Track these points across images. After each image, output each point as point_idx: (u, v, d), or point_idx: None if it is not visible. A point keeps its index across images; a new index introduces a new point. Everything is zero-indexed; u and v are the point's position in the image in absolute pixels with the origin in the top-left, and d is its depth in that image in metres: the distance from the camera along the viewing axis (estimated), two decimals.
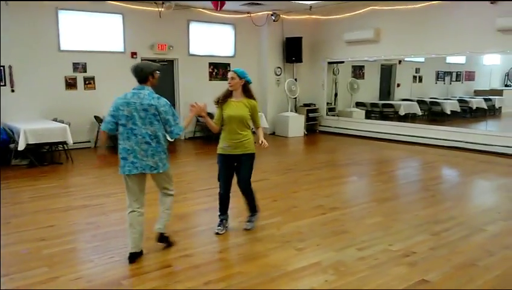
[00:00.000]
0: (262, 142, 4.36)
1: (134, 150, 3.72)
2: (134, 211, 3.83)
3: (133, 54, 10.04)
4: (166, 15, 10.11)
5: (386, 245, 4.08)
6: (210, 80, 11.32)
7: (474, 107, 13.03)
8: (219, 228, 4.47)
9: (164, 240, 4.04)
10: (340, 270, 3.56)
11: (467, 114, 12.75)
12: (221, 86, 11.17)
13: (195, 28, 10.96)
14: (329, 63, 12.13)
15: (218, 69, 11.43)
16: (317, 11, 11.18)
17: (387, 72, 13.09)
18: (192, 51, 10.96)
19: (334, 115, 12.40)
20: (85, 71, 9.52)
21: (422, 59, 12.00)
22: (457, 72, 13.55)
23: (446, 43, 9.39)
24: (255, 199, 4.59)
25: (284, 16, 11.57)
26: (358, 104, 12.65)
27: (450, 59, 12.02)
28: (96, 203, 5.51)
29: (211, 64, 11.29)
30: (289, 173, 7.23)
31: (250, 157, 4.47)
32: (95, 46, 9.63)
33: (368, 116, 12.35)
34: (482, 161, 8.10)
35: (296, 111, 11.94)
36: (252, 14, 11.55)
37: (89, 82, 9.60)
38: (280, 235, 4.36)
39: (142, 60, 10.15)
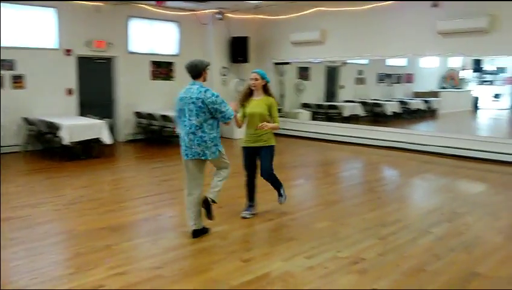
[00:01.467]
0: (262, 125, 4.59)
1: (184, 140, 4.22)
2: (191, 194, 4.32)
3: (68, 51, 9.36)
4: (105, 10, 9.52)
5: (335, 252, 3.92)
6: (152, 79, 10.82)
7: (413, 109, 13.47)
8: (246, 212, 4.91)
9: (208, 207, 4.30)
10: (289, 282, 3.35)
11: (407, 115, 13.15)
12: (164, 86, 10.96)
13: (136, 25, 10.43)
14: (276, 63, 12.01)
15: (161, 68, 10.96)
16: (264, 10, 11.02)
17: (332, 74, 13.21)
18: (132, 48, 10.42)
19: (280, 116, 12.25)
20: (13, 69, 8.73)
21: (365, 61, 12.20)
22: (397, 74, 13.96)
23: (389, 45, 9.55)
24: (278, 182, 5.00)
25: (229, 15, 11.31)
26: (304, 106, 12.65)
27: (391, 62, 12.32)
28: (22, 215, 4.95)
29: (153, 62, 10.80)
30: (235, 177, 6.87)
31: (270, 149, 4.89)
32: (25, 42, 8.86)
33: (314, 117, 12.38)
34: (423, 161, 8.28)
35: None
36: (196, 12, 11.18)
37: (18, 81, 8.82)
38: (225, 245, 4.09)
39: (78, 57, 9.52)
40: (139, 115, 10.26)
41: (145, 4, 10.19)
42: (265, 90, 4.78)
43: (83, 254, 3.87)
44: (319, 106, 12.58)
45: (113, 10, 9.69)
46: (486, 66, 15.53)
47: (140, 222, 4.83)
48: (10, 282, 3.33)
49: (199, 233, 4.27)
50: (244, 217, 4.85)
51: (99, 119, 8.43)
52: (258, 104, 4.73)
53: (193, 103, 4.08)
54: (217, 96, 4.15)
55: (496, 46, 8.08)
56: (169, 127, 9.55)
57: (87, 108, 9.60)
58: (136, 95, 10.52)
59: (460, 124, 13.07)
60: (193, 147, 4.21)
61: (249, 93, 4.83)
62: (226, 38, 11.59)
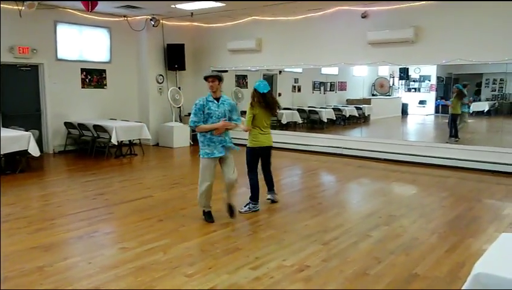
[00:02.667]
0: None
1: (213, 141, 5.05)
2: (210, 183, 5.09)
3: None
4: (28, 15, 8.91)
5: (280, 260, 3.91)
6: (83, 87, 10.29)
7: (347, 115, 13.97)
8: (245, 208, 5.44)
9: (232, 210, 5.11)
10: None
11: (341, 121, 13.62)
12: (96, 94, 10.47)
13: (63, 30, 9.88)
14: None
15: (92, 76, 10.46)
16: (199, 18, 10.91)
17: (269, 82, 13.29)
18: (60, 55, 9.85)
19: None
20: None
21: (300, 70, 12.49)
22: (331, 82, 14.43)
23: (323, 54, 9.83)
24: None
25: (164, 22, 11.07)
26: (243, 113, 12.63)
27: (325, 70, 12.71)
28: None
29: (83, 70, 10.28)
30: (176, 188, 6.78)
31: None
32: None
33: None
34: (359, 166, 8.58)
35: (180, 121, 11.48)
36: (129, 18, 10.83)
37: None
38: (167, 261, 3.92)
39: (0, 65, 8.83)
40: (69, 125, 9.70)
41: (73, 9, 9.69)
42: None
43: (11, 278, 3.54)
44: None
45: (38, 15, 9.10)
46: (412, 74, 16.53)
47: (74, 240, 4.51)
48: None
49: (211, 214, 5.14)
50: (240, 212, 5.41)
51: (25, 130, 7.85)
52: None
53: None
54: (194, 104, 4.95)
55: (420, 56, 8.61)
56: (103, 138, 9.12)
57: (11, 119, 8.91)
58: (66, 105, 9.95)
59: (391, 130, 13.76)
60: (217, 149, 5.19)
61: None
62: (161, 46, 11.33)
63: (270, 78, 13.20)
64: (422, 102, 16.41)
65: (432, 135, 13.70)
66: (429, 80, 16.16)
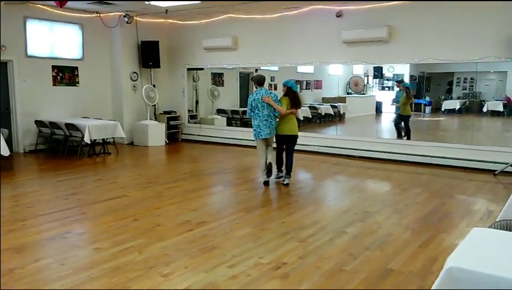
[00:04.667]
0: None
1: (259, 125, 6.49)
2: (263, 158, 6.60)
3: None
4: None
5: (257, 258, 3.90)
6: (54, 84, 10.03)
7: (323, 113, 14.09)
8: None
9: (270, 168, 6.60)
10: None
11: (317, 120, 13.72)
12: (68, 92, 10.23)
13: (34, 27, 9.60)
14: (189, 69, 11.84)
15: (64, 73, 10.21)
16: (174, 15, 10.80)
17: (245, 80, 13.33)
18: (30, 52, 9.58)
19: (196, 123, 12.13)
20: None
21: (276, 68, 12.51)
22: (306, 80, 14.52)
23: (299, 53, 9.88)
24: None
25: (138, 18, 10.90)
26: (220, 112, 12.61)
27: (301, 68, 12.78)
28: None
29: (54, 67, 10.03)
30: (151, 187, 6.69)
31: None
32: None
33: (229, 123, 12.39)
34: (334, 164, 8.66)
35: (155, 119, 11.34)
36: (101, 15, 10.62)
37: None
38: (143, 261, 3.86)
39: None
40: (40, 123, 9.45)
41: (44, 5, 9.43)
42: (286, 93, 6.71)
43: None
44: (235, 112, 12.62)
45: (6, 10, 8.82)
46: (386, 73, 16.80)
47: (46, 241, 4.39)
48: None
49: (268, 182, 6.66)
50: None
51: None
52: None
53: (263, 101, 6.42)
54: (274, 98, 6.54)
55: (394, 55, 8.76)
56: (75, 137, 8.92)
57: None
58: (37, 103, 9.68)
59: (366, 128, 13.93)
60: (265, 129, 6.47)
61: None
62: (134, 43, 11.16)
63: (246, 76, 13.20)
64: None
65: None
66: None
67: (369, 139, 9.45)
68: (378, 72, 16.40)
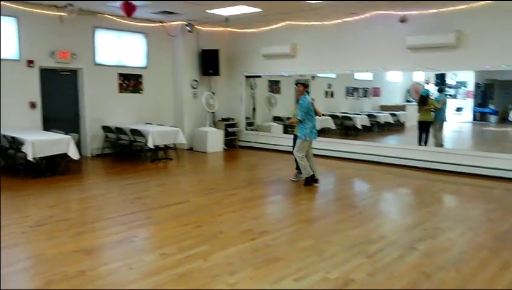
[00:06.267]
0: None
1: (311, 127, 7.00)
2: (309, 159, 7.16)
3: (30, 62, 8.89)
4: (69, 20, 9.14)
5: (323, 273, 3.78)
6: (120, 92, 10.46)
7: (382, 122, 13.67)
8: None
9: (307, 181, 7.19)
10: None
11: (376, 128, 13.32)
12: (133, 99, 10.62)
13: (102, 36, 10.07)
14: (247, 77, 11.92)
15: (129, 81, 10.62)
16: (234, 23, 10.93)
17: None
18: (99, 60, 10.05)
19: (253, 130, 12.18)
20: None
21: (333, 75, 12.30)
22: (365, 88, 14.16)
23: (359, 59, 9.64)
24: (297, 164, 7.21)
25: (199, 27, 11.14)
26: (276, 119, 12.58)
27: (358, 75, 12.48)
28: None
29: (120, 75, 10.45)
30: (211, 193, 6.75)
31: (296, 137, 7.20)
32: None
33: (286, 130, 12.32)
34: (398, 175, 8.33)
35: (214, 126, 11.51)
36: (165, 24, 10.96)
37: None
38: (208, 269, 3.86)
39: (41, 69, 9.07)
40: (107, 129, 9.86)
41: (112, 15, 9.87)
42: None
43: (55, 281, 3.56)
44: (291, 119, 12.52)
45: (78, 20, 9.32)
46: (449, 80, 16.05)
47: (114, 244, 4.52)
48: None
49: (309, 180, 7.16)
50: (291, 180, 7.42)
51: (65, 134, 8.02)
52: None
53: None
54: (305, 104, 6.98)
55: (462, 61, 8.31)
56: (139, 142, 9.22)
57: (51, 122, 9.13)
58: (104, 109, 10.12)
59: (427, 137, 13.35)
60: (315, 131, 7.10)
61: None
62: (195, 51, 11.40)
63: None
64: (458, 109, 15.92)
65: (470, 142, 13.23)
66: (465, 87, 15.68)
67: (433, 149, 9.03)
68: (440, 80, 15.72)
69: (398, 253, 4.27)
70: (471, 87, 15.36)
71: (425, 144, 9.60)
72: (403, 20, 8.85)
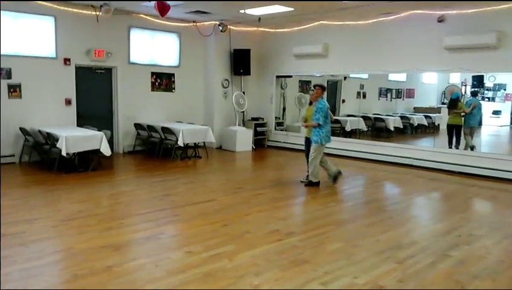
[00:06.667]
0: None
1: (328, 131, 6.89)
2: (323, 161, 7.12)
3: (66, 61, 9.13)
4: (105, 20, 9.33)
5: (351, 278, 3.68)
6: (152, 90, 10.60)
7: (415, 124, 13.30)
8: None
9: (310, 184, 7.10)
10: None
11: (409, 130, 12.97)
12: (165, 97, 10.74)
13: (136, 35, 10.24)
14: (278, 76, 11.86)
15: (162, 79, 10.75)
16: (266, 23, 10.88)
17: (333, 88, 13.04)
18: (133, 59, 10.22)
19: (282, 130, 12.11)
20: (9, 78, 8.48)
21: (366, 76, 12.07)
22: (398, 89, 13.82)
23: (393, 60, 9.43)
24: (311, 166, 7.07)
25: (231, 27, 11.16)
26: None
27: (392, 76, 12.18)
28: (16, 232, 4.68)
29: (153, 73, 10.60)
30: (239, 193, 6.73)
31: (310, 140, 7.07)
32: (22, 50, 8.63)
33: None
34: (431, 179, 8.08)
35: (244, 125, 11.51)
36: (197, 23, 11.03)
37: (14, 90, 8.57)
38: (233, 269, 3.83)
39: (76, 67, 9.30)
40: (139, 126, 10.02)
41: (146, 14, 10.02)
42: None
43: (82, 276, 3.61)
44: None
45: (114, 20, 9.51)
46: (486, 82, 15.46)
47: (142, 241, 4.55)
48: None
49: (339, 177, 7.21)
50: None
51: (97, 130, 8.19)
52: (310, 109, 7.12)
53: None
54: (321, 108, 6.84)
55: (503, 63, 7.97)
56: (170, 140, 9.32)
57: (85, 119, 9.36)
58: (136, 107, 10.29)
59: (463, 141, 12.90)
60: (329, 135, 6.96)
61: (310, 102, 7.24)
62: (227, 50, 11.43)
63: (334, 84, 12.91)
64: (496, 112, 15.30)
65: (507, 147, 12.67)
66: (504, 89, 15.06)
67: (468, 153, 8.70)
68: (477, 82, 15.16)
69: (430, 260, 4.11)
70: (510, 90, 14.76)
71: (457, 148, 9.31)
72: (440, 19, 8.58)
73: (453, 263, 4.06)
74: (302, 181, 7.33)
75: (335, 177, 7.14)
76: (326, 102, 6.94)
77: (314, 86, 7.06)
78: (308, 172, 7.16)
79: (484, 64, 8.28)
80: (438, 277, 3.74)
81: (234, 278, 3.64)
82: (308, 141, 7.14)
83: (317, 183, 7.08)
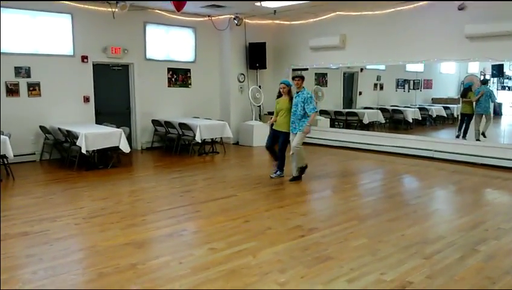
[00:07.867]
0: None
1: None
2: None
3: (84, 58, 9.19)
4: (121, 16, 9.35)
5: (378, 274, 3.61)
6: (169, 86, 10.61)
7: (434, 115, 13.06)
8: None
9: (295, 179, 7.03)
10: None
11: (427, 122, 12.75)
12: (181, 93, 10.74)
13: (152, 31, 10.24)
14: (294, 69, 11.74)
15: (178, 75, 10.75)
16: (282, 15, 10.78)
17: (349, 80, 12.88)
18: (149, 55, 10.23)
19: None
20: (29, 76, 8.57)
21: (383, 67, 11.87)
22: (415, 80, 13.58)
23: (411, 50, 9.25)
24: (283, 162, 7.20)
25: (247, 21, 11.08)
26: (323, 112, 12.33)
27: (410, 67, 11.96)
28: (40, 230, 4.72)
29: (169, 69, 10.59)
30: (258, 188, 6.69)
31: (284, 134, 7.08)
32: (41, 49, 8.70)
33: (332, 124, 12.06)
34: (454, 171, 7.92)
35: (260, 119, 11.45)
36: (213, 18, 10.98)
37: (34, 88, 8.66)
38: (257, 265, 3.79)
39: (94, 64, 9.35)
40: (156, 122, 10.05)
41: (162, 10, 10.00)
42: (289, 92, 7.07)
43: (107, 274, 3.61)
44: (338, 113, 12.26)
45: (129, 16, 9.51)
46: (507, 71, 15.09)
47: (164, 238, 4.55)
48: None
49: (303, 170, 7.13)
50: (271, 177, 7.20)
51: (116, 127, 8.22)
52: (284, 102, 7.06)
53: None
54: (308, 98, 6.84)
55: None
56: (187, 136, 9.31)
57: (103, 116, 9.42)
58: (153, 103, 10.32)
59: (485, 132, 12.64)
60: None
61: (279, 95, 7.17)
62: (243, 44, 11.36)
63: (351, 76, 12.74)
64: None
65: None
66: None
67: (492, 144, 8.51)
68: (497, 71, 14.80)
69: (459, 255, 4.01)
70: None
71: (464, 136, 9.36)
72: (461, 7, 8.37)
73: (482, 258, 3.96)
74: (272, 177, 7.20)
75: (302, 169, 7.12)
76: (309, 90, 6.99)
77: (294, 78, 6.98)
78: (277, 166, 7.20)
79: (508, 53, 8.06)
80: (467, 273, 3.65)
81: (259, 275, 3.60)
82: (275, 134, 7.10)
83: (306, 167, 7.11)
